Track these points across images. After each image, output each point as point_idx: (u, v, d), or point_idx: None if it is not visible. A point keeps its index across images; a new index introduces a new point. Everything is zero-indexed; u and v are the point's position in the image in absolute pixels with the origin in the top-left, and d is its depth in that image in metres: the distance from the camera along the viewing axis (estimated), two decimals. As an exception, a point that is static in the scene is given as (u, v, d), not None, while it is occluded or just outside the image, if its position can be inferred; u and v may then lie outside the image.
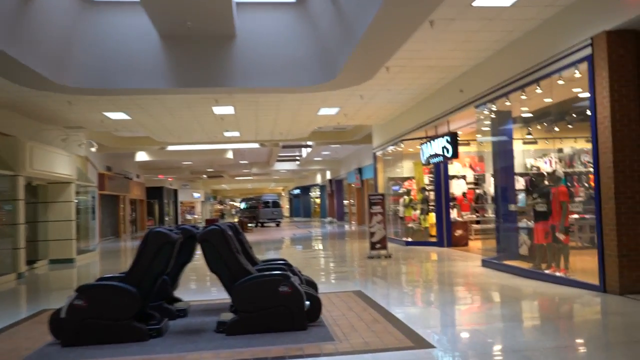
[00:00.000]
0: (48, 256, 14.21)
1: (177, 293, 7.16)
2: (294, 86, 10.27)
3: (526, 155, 10.75)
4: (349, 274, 10.38)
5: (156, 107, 13.09)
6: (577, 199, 9.33)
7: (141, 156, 24.85)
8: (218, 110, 13.71)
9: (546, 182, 8.73)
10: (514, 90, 8.97)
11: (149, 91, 10.42)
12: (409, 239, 15.35)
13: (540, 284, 7.91)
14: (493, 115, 10.15)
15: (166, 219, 38.65)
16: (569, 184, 9.15)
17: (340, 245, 18.11)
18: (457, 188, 15.05)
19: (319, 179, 42.59)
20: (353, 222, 31.10)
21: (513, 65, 8.90)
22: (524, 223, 9.48)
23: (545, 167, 10.13)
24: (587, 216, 9.00)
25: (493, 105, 9.87)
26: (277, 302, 5.48)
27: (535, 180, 9.80)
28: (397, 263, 11.50)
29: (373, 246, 12.47)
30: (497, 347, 4.98)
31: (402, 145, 15.65)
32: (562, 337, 5.26)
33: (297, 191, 54.11)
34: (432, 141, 13.56)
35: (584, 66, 7.20)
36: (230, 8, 8.68)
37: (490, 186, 11.18)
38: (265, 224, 35.77)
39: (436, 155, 13.35)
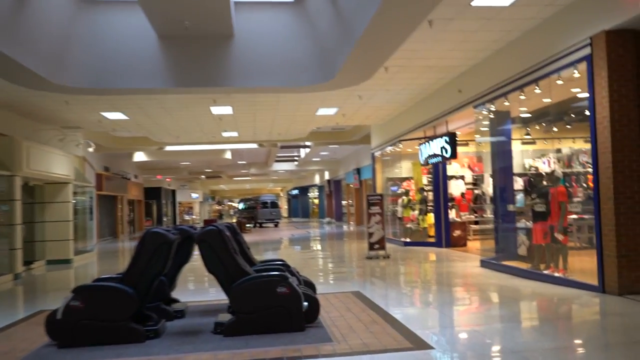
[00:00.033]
0: (45, 257, 14.16)
1: (175, 294, 7.14)
2: (292, 86, 10.25)
3: (525, 155, 10.75)
4: (347, 274, 10.35)
5: (154, 107, 13.05)
6: (575, 200, 9.31)
7: (139, 156, 24.79)
8: (216, 110, 13.68)
9: (545, 183, 8.71)
10: (513, 90, 8.95)
11: (147, 91, 10.38)
12: (408, 240, 15.33)
13: (538, 285, 7.89)
14: (492, 116, 10.14)
15: (164, 219, 38.59)
16: (567, 185, 9.14)
17: (338, 245, 18.08)
18: (456, 188, 15.03)
19: (317, 180, 42.57)
20: (351, 222, 31.08)
21: (512, 65, 8.89)
22: (522, 223, 9.47)
23: (544, 168, 10.12)
24: (585, 216, 8.99)
25: (492, 106, 9.85)
26: (275, 303, 5.46)
27: (533, 181, 9.78)
28: (395, 263, 11.48)
29: (371, 247, 12.45)
30: (495, 348, 4.96)
31: (401, 146, 15.64)
32: (561, 338, 5.24)
33: (295, 192, 54.08)
34: (430, 141, 13.55)
35: (583, 66, 7.18)
36: (229, 7, 8.65)
37: (488, 186, 11.16)
38: (263, 225, 35.72)
39: (435, 155, 13.34)
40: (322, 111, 14.57)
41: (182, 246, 6.45)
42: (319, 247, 17.97)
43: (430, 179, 15.03)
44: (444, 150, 12.79)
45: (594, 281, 7.08)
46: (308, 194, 50.09)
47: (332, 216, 37.78)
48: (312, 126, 17.57)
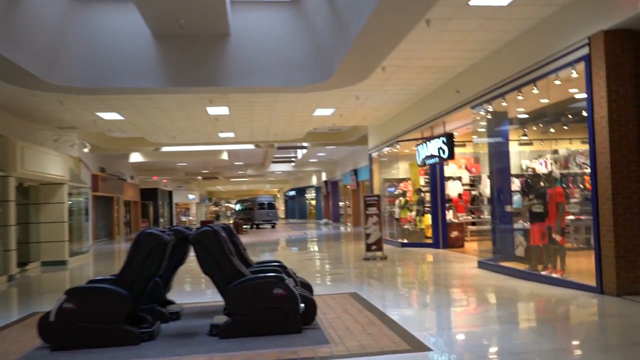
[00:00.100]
0: (40, 258, 14.06)
1: (171, 295, 7.08)
2: (289, 86, 10.19)
3: (522, 156, 10.72)
4: (344, 275, 10.30)
5: (150, 107, 12.98)
6: (572, 201, 9.30)
7: (135, 157, 24.70)
8: (212, 110, 13.62)
9: (542, 184, 8.69)
10: (511, 90, 8.92)
11: (142, 91, 10.31)
12: (405, 241, 15.29)
13: (536, 286, 7.86)
14: (489, 116, 10.11)
15: (161, 220, 38.49)
16: (564, 186, 9.12)
17: (335, 246, 18.04)
18: (453, 189, 15.01)
19: (314, 181, 42.53)
20: (349, 223, 31.05)
21: (510, 66, 8.86)
22: (520, 224, 9.44)
23: (541, 169, 10.10)
24: (582, 217, 8.98)
25: (489, 106, 9.83)
26: (271, 305, 5.40)
27: (531, 182, 9.75)
28: (392, 265, 11.43)
29: (369, 248, 12.40)
30: (493, 350, 4.93)
31: (398, 147, 15.60)
32: (560, 339, 5.21)
33: (292, 193, 54.01)
34: (428, 142, 13.52)
35: (581, 66, 7.16)
36: (224, 6, 8.59)
37: (486, 187, 11.14)
38: (260, 226, 35.65)
39: (432, 156, 13.31)
40: (319, 112, 14.53)
41: (177, 247, 6.39)
42: (316, 248, 17.92)
43: (427, 180, 15.00)
44: (441, 151, 12.76)
45: (591, 282, 7.05)
46: (305, 195, 50.03)
47: (329, 217, 37.75)
48: (309, 127, 17.53)
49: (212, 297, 7.82)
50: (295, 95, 11.95)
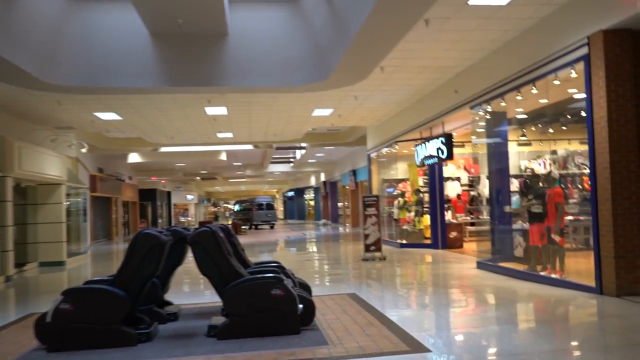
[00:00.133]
0: (38, 259, 14.02)
1: (169, 296, 7.04)
2: (287, 85, 10.15)
3: (521, 157, 10.71)
4: (343, 276, 10.27)
5: (147, 107, 12.94)
6: (571, 201, 9.28)
7: (134, 157, 24.65)
8: (210, 110, 13.59)
9: (541, 184, 8.67)
10: (510, 90, 8.91)
11: (139, 90, 10.26)
12: (404, 241, 15.27)
13: (535, 286, 7.84)
14: (488, 117, 10.09)
15: (159, 221, 38.42)
16: (562, 186, 9.10)
17: (334, 247, 18.01)
18: (452, 190, 14.99)
19: (313, 181, 42.50)
20: (347, 224, 31.02)
21: (509, 66, 8.84)
22: (518, 225, 9.42)
23: (540, 169, 10.09)
24: (581, 218, 8.96)
25: (488, 106, 9.81)
26: (269, 306, 5.37)
27: (529, 182, 9.74)
28: (391, 265, 11.41)
29: (367, 248, 12.37)
30: (492, 351, 4.92)
31: (397, 147, 15.58)
32: (559, 340, 5.19)
33: (291, 193, 53.98)
34: (426, 142, 13.49)
35: (580, 66, 7.14)
36: (222, 5, 8.56)
37: (484, 188, 11.12)
38: (259, 227, 35.62)
39: (431, 156, 13.29)
40: (318, 112, 14.50)
41: (175, 248, 6.35)
42: (314, 249, 17.89)
43: (426, 181, 14.97)
44: (440, 152, 12.74)
45: (591, 282, 7.03)
46: (304, 195, 50.00)
47: (328, 218, 37.72)
48: (307, 127, 17.50)
49: (210, 297, 7.78)
50: (294, 95, 11.91)
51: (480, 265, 9.99)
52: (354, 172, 27.17)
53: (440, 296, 7.71)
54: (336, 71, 9.19)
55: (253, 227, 35.31)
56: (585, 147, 7.22)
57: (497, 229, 10.01)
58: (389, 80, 11.27)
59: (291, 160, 34.14)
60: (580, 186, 9.57)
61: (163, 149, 21.97)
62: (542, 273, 8.18)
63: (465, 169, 15.65)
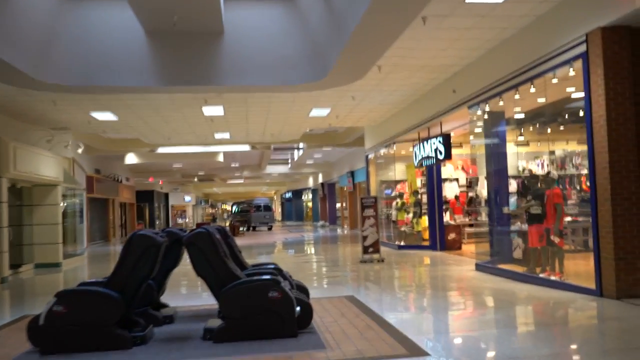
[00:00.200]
0: (33, 260, 13.91)
1: (166, 298, 6.96)
2: (283, 84, 10.07)
3: (519, 157, 10.65)
4: (341, 278, 10.20)
5: (144, 107, 12.86)
6: (569, 202, 9.23)
7: (131, 159, 24.55)
8: (207, 111, 13.51)
9: (540, 185, 8.61)
10: (507, 89, 8.86)
11: (135, 89, 10.15)
12: (402, 243, 15.21)
13: (535, 288, 7.78)
14: (486, 116, 10.04)
15: (157, 222, 38.29)
16: (560, 187, 9.06)
17: (332, 249, 17.94)
18: (450, 191, 14.94)
19: (311, 183, 42.44)
20: (345, 225, 30.96)
21: (506, 64, 8.79)
22: (517, 226, 9.36)
23: (538, 170, 10.04)
24: (579, 219, 8.91)
25: (486, 106, 9.75)
26: (266, 308, 5.31)
27: (528, 183, 9.69)
28: (390, 267, 11.34)
29: (365, 250, 12.30)
30: (491, 354, 4.86)
31: (395, 148, 15.53)
32: (558, 344, 5.12)
33: (289, 195, 53.93)
34: (424, 143, 13.44)
35: (579, 64, 7.08)
36: (218, 3, 8.48)
37: (483, 189, 11.07)
38: (257, 228, 35.53)
39: (429, 157, 13.23)
40: (315, 112, 14.44)
41: (171, 249, 6.28)
42: (312, 250, 17.83)
43: (424, 182, 14.92)
44: (438, 152, 12.69)
45: (591, 285, 6.97)
46: (302, 197, 49.94)
47: (326, 219, 37.66)
48: (305, 128, 17.43)
49: (207, 300, 7.70)
50: (291, 95, 11.85)
51: (479, 267, 9.93)
52: (352, 174, 27.12)
53: (439, 299, 7.64)
54: (333, 70, 9.12)
55: (251, 228, 35.22)
56: (583, 148, 7.15)
57: (496, 231, 9.95)
58: (386, 80, 11.22)
59: (289, 161, 34.07)
60: (578, 187, 9.53)
61: (160, 150, 21.89)
62: (541, 275, 8.12)
63: (463, 169, 15.61)
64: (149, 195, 36.58)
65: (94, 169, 22.23)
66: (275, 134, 18.19)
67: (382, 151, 16.53)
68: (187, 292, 9.33)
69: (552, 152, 10.22)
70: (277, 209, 61.12)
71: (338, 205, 35.12)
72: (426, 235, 14.60)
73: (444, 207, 14.31)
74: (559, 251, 7.95)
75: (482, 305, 7.32)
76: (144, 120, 14.57)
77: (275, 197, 65.79)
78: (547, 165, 9.73)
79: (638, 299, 6.48)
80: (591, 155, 6.93)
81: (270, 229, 35.32)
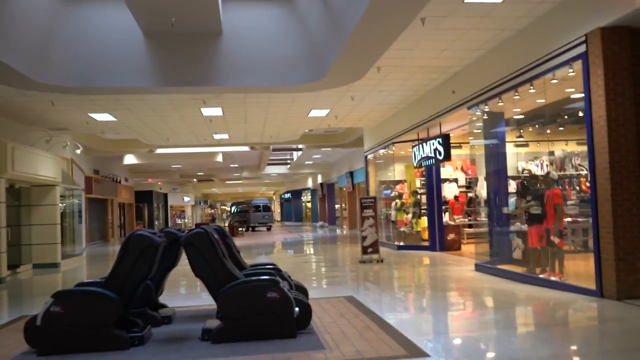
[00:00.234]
0: (32, 260, 13.89)
1: (165, 298, 6.93)
2: (282, 85, 10.04)
3: (518, 157, 10.64)
4: (340, 278, 10.18)
5: (142, 108, 12.83)
6: (569, 202, 9.21)
7: (129, 159, 24.54)
8: (206, 111, 13.49)
9: (539, 185, 8.60)
10: (507, 90, 8.84)
11: (133, 90, 10.13)
12: (401, 243, 15.18)
13: (534, 289, 7.75)
14: (485, 117, 10.03)
15: (156, 223, 38.24)
16: (560, 187, 9.04)
17: (331, 249, 17.92)
18: (449, 191, 14.92)
19: (310, 183, 42.41)
20: (344, 226, 30.94)
21: (506, 65, 8.77)
22: (517, 226, 9.34)
23: (537, 170, 10.03)
24: (579, 219, 8.89)
25: (485, 107, 9.73)
26: (265, 309, 5.28)
27: (527, 183, 9.68)
28: (389, 268, 11.32)
29: (365, 250, 12.28)
30: (491, 355, 4.84)
31: (394, 148, 15.51)
32: (558, 344, 5.10)
33: (288, 195, 53.89)
34: (423, 143, 13.42)
35: (579, 64, 7.06)
36: (216, 3, 8.46)
37: (482, 189, 11.05)
38: (256, 229, 35.51)
39: (428, 157, 13.21)
40: (314, 112, 14.42)
41: (169, 249, 6.25)
42: (311, 251, 17.80)
43: (423, 182, 14.90)
44: (437, 153, 12.66)
45: (591, 285, 6.94)
46: (301, 197, 49.92)
47: (325, 220, 37.64)
48: (304, 128, 17.40)
49: (206, 300, 7.67)
50: (290, 95, 11.82)
51: (479, 268, 9.91)
52: (351, 174, 27.10)
53: (439, 299, 7.62)
54: (332, 71, 9.10)
55: (250, 229, 35.20)
56: (583, 148, 7.13)
57: (496, 231, 9.93)
58: (386, 81, 11.20)
59: (288, 162, 34.05)
60: (577, 187, 9.51)
61: (159, 151, 21.86)
62: (541, 275, 8.10)
63: (462, 170, 15.59)
64: (147, 195, 36.53)
65: (93, 170, 22.20)
66: (274, 135, 18.16)
67: (382, 152, 16.51)
68: (185, 292, 9.30)
69: (551, 153, 10.21)
70: (276, 210, 61.07)
71: (337, 205, 35.09)
72: (425, 235, 14.58)
73: (443, 207, 14.29)
74: (558, 252, 7.93)
75: (482, 305, 7.29)
76: (142, 121, 14.54)
77: (274, 197, 65.75)
78: (547, 166, 9.72)
79: (638, 299, 6.45)
80: (591, 155, 6.91)
81: (269, 229, 35.31)
